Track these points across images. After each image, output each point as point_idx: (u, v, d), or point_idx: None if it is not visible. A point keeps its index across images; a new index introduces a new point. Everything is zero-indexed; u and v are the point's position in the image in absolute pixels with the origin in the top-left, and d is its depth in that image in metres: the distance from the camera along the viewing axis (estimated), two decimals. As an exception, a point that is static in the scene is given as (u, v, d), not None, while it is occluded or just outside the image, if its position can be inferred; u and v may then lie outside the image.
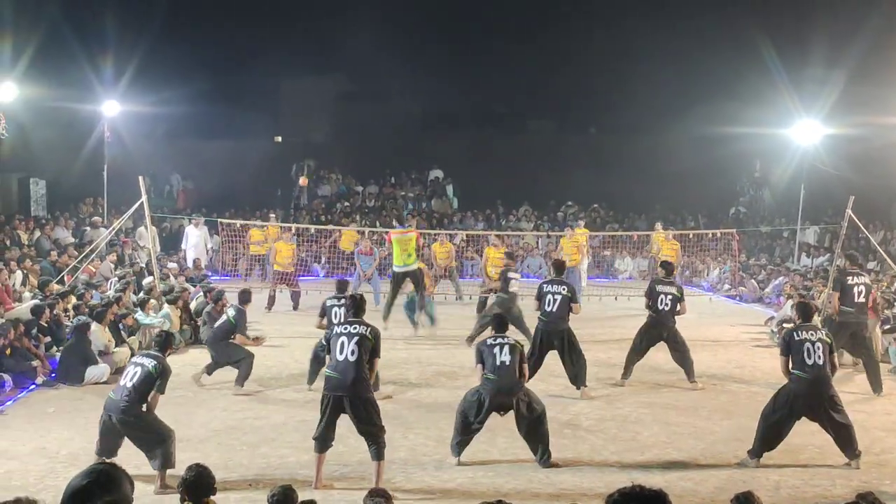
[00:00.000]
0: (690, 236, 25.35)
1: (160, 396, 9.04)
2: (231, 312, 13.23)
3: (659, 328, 13.44)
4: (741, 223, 31.03)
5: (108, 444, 9.02)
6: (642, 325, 13.73)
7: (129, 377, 9.01)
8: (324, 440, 8.95)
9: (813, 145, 25.29)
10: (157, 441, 8.92)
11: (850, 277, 13.60)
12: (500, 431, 10.77)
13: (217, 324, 13.43)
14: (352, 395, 8.80)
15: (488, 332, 11.70)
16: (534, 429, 9.73)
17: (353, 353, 8.80)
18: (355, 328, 8.96)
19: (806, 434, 10.17)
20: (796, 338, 9.77)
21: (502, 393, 9.56)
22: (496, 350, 9.65)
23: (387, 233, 20.46)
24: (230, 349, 13.09)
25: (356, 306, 9.37)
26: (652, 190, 35.22)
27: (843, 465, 9.80)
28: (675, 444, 10.54)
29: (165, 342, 9.65)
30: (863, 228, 19.55)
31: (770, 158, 32.46)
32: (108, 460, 7.45)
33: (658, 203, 34.77)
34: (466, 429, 9.75)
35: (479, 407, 9.63)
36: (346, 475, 9.30)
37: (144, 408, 8.97)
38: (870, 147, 25.27)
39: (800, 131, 25.59)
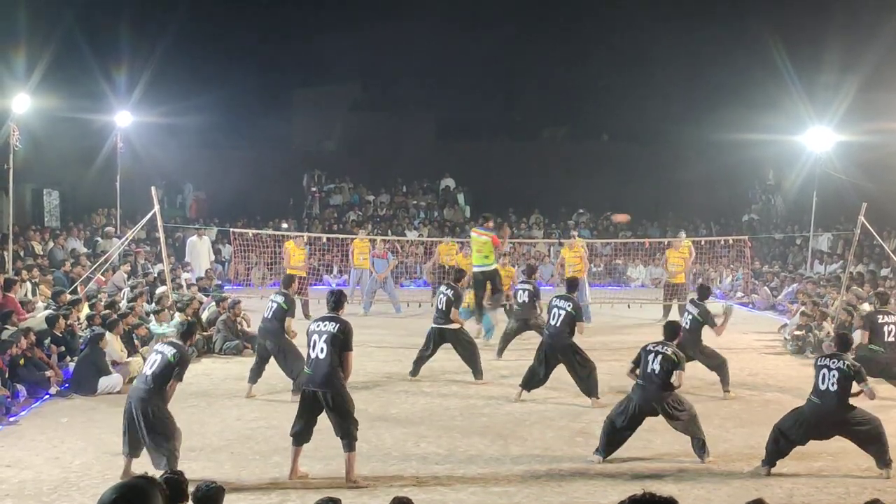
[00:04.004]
0: (703, 243, 25.27)
1: (178, 384, 9.26)
2: (280, 298, 12.91)
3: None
4: (754, 230, 30.98)
5: (132, 438, 9.10)
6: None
7: (150, 365, 9.22)
8: (300, 434, 9.35)
9: (825, 152, 25.23)
10: (165, 437, 8.99)
11: (880, 316, 13.43)
12: (513, 440, 10.76)
13: (271, 312, 12.93)
14: (326, 390, 9.20)
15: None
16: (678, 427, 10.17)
17: (322, 350, 9.24)
18: (326, 325, 9.36)
19: (820, 442, 10.10)
20: (818, 363, 9.83)
21: (647, 400, 10.00)
22: (650, 357, 10.08)
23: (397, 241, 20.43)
24: (286, 341, 12.85)
25: (335, 301, 9.66)
26: (664, 197, 35.26)
27: (876, 475, 9.69)
28: (688, 453, 10.48)
29: (188, 331, 9.97)
30: (876, 235, 19.54)
31: (782, 165, 32.43)
32: (146, 475, 7.45)
33: (670, 210, 34.75)
34: (613, 432, 10.17)
35: (626, 411, 10.11)
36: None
37: (163, 399, 9.12)
38: (882, 154, 25.23)
39: (812, 138, 25.53)
